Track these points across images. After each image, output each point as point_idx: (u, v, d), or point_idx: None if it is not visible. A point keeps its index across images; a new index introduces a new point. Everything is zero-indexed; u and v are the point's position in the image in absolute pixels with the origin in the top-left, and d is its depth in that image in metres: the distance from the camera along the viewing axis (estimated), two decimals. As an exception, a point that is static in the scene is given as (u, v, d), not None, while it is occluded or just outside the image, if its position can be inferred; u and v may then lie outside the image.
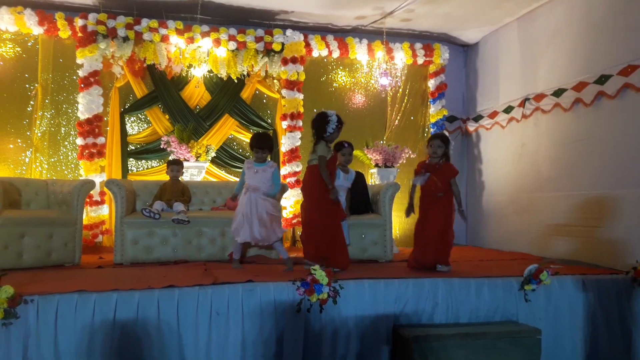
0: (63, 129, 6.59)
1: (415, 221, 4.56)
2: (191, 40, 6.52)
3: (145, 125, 7.01)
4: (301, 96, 6.97)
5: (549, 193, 6.01)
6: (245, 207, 4.28)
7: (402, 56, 7.43)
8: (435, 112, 7.60)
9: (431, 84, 7.65)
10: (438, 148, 4.40)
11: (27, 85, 6.50)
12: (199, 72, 6.81)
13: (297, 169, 6.88)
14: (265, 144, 4.45)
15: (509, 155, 6.86)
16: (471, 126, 7.73)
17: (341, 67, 7.52)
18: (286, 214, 6.76)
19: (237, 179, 7.04)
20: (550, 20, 6.16)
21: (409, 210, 4.52)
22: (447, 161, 4.46)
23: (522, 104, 6.50)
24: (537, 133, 6.30)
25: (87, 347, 3.12)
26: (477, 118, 7.58)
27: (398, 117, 7.57)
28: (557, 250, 5.70)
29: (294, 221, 6.80)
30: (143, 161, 7.00)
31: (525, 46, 6.63)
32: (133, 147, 6.93)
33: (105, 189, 5.38)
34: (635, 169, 4.86)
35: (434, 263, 4.32)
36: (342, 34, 7.37)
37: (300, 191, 6.02)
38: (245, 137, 7.21)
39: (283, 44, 6.81)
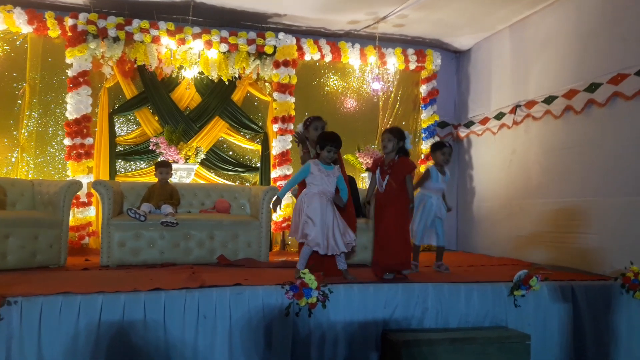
0: (51, 129, 6.52)
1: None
2: (182, 41, 6.49)
3: (134, 126, 6.95)
4: (293, 99, 6.95)
5: (539, 199, 6.02)
6: (325, 214, 3.84)
7: (394, 61, 7.44)
8: (426, 117, 7.62)
9: (423, 89, 7.67)
10: (388, 142, 4.11)
11: (14, 85, 6.43)
12: (189, 74, 6.76)
13: (288, 172, 6.85)
14: (340, 143, 3.98)
15: (499, 162, 6.88)
16: (462, 132, 7.75)
17: (333, 71, 7.52)
18: (276, 217, 6.72)
19: (227, 182, 7.03)
20: (541, 28, 6.20)
21: (364, 206, 4.26)
22: (403, 156, 4.16)
23: (513, 111, 6.52)
24: (527, 140, 6.33)
25: (71, 349, 3.06)
26: (469, 124, 7.60)
27: (390, 122, 7.58)
28: (547, 256, 5.71)
29: (284, 224, 6.76)
30: (131, 162, 6.94)
31: (517, 53, 6.67)
32: (121, 148, 6.86)
33: (93, 190, 5.33)
34: (623, 177, 4.89)
35: (396, 267, 4.07)
36: (334, 38, 7.37)
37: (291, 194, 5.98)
38: (235, 139, 7.18)
39: (275, 47, 6.79)
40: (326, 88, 7.50)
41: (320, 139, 3.98)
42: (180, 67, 6.70)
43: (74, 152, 6.23)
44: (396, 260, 4.05)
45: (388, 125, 7.54)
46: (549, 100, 5.90)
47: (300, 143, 4.43)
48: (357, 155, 7.16)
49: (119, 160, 6.86)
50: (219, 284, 3.49)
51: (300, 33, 7.18)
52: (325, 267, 3.94)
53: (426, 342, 3.39)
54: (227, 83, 6.93)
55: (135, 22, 6.36)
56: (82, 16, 6.24)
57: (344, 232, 3.89)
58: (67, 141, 6.27)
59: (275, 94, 6.95)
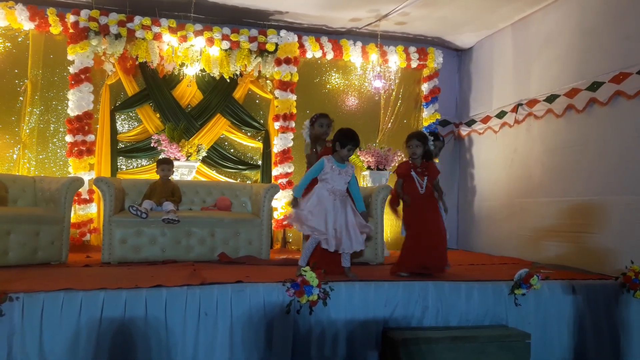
0: (52, 125, 6.53)
1: (406, 226, 4.36)
2: (184, 38, 6.48)
3: (135, 123, 6.95)
4: (294, 97, 6.95)
5: (540, 198, 6.02)
6: (334, 214, 3.84)
7: (396, 59, 7.43)
8: (428, 115, 7.61)
9: (424, 87, 7.66)
10: (417, 148, 4.21)
11: (16, 81, 6.43)
12: (191, 71, 6.76)
13: (289, 170, 6.85)
14: (359, 142, 3.98)
15: (501, 160, 6.87)
16: (464, 130, 7.74)
17: (335, 69, 7.51)
18: (277, 215, 6.73)
19: (228, 179, 7.03)
20: (544, 26, 6.19)
21: (406, 201, 4.27)
22: (429, 160, 4.31)
23: (515, 109, 6.52)
24: (529, 138, 6.32)
25: (73, 346, 3.07)
26: (470, 122, 7.59)
27: (391, 120, 7.57)
28: (548, 255, 5.71)
29: (285, 222, 6.76)
30: (133, 160, 6.94)
31: (519, 52, 6.66)
32: (123, 146, 6.87)
33: (94, 187, 5.33)
34: (625, 176, 4.89)
35: (443, 265, 4.27)
36: (336, 35, 7.37)
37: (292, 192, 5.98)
38: (236, 137, 7.18)
39: (277, 45, 6.79)
40: (328, 86, 7.49)
41: (342, 137, 3.91)
42: (182, 65, 6.70)
43: (76, 149, 6.24)
44: (444, 260, 4.27)
45: (389, 124, 7.54)
46: (550, 99, 5.90)
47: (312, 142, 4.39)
48: (358, 153, 7.16)
49: (121, 158, 6.86)
50: (220, 281, 3.49)
51: (302, 30, 7.17)
52: (327, 264, 3.94)
53: (425, 340, 3.39)
54: (228, 80, 6.93)
55: (137, 19, 6.37)
56: (84, 13, 6.24)
57: (354, 236, 3.89)
58: (68, 138, 6.27)
59: (277, 92, 6.95)
